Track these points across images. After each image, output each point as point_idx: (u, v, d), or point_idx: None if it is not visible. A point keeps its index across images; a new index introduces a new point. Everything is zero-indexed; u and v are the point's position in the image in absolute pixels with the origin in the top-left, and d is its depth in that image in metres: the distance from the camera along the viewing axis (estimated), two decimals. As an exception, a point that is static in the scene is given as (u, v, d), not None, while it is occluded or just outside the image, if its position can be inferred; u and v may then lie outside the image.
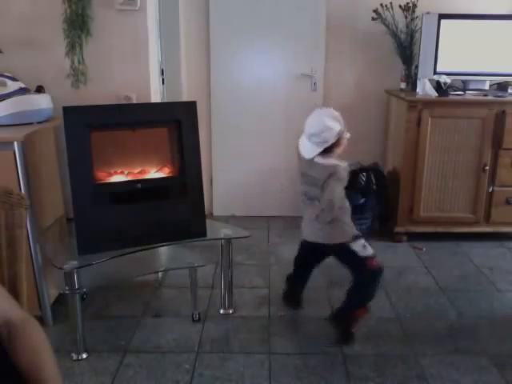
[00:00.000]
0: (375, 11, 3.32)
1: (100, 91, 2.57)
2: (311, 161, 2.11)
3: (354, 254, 2.09)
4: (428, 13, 3.18)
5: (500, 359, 2.07)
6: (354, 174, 3.19)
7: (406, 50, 3.37)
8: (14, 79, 2.27)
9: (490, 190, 3.18)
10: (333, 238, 2.15)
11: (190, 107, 2.25)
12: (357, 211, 3.15)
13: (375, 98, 3.59)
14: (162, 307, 2.49)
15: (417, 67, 3.28)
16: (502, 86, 3.34)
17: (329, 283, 2.70)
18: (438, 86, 3.11)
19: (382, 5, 3.32)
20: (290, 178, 3.52)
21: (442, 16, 3.18)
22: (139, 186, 2.21)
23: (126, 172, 2.23)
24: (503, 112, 3.04)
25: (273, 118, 3.60)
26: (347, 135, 2.11)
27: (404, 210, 3.23)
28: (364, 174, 3.26)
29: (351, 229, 2.15)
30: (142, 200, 2.20)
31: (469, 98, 3.14)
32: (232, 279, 2.41)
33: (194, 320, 2.34)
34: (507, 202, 3.18)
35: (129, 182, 2.21)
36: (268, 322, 2.35)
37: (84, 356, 2.07)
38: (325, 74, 3.55)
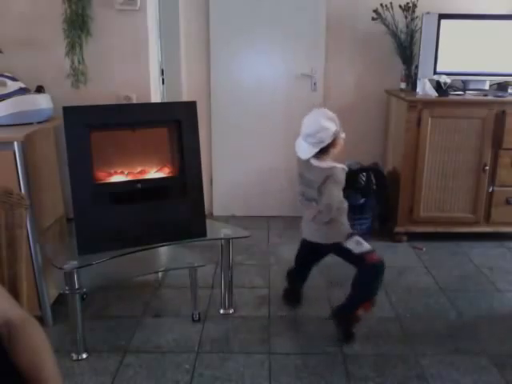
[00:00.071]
0: (375, 11, 3.32)
1: (100, 91, 2.57)
2: (308, 162, 2.14)
3: (349, 251, 2.13)
4: (428, 13, 3.18)
5: (500, 359, 2.07)
6: (353, 174, 3.20)
7: (406, 49, 3.37)
8: (14, 79, 2.27)
9: (490, 190, 3.18)
10: (329, 238, 2.18)
11: (190, 107, 2.25)
12: (357, 211, 3.17)
13: (375, 98, 3.60)
14: (162, 307, 2.49)
15: (417, 67, 3.28)
16: (502, 86, 3.34)
17: (329, 283, 2.70)
18: (438, 86, 3.11)
19: (382, 5, 3.32)
20: (289, 178, 3.52)
21: (442, 16, 3.18)
22: (139, 185, 2.21)
23: (126, 172, 2.23)
24: (503, 112, 3.04)
25: (273, 118, 3.61)
26: (343, 135, 2.12)
27: (404, 210, 3.23)
28: (364, 174, 3.27)
29: (346, 228, 2.17)
30: (142, 200, 2.20)
31: (469, 98, 3.14)
32: (232, 279, 2.41)
33: (193, 320, 2.34)
34: (507, 202, 3.18)
35: (129, 182, 2.21)
36: (268, 322, 2.35)
37: (84, 356, 2.07)
38: (325, 74, 3.55)
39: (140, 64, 2.60)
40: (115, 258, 2.05)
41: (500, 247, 3.26)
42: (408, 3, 3.31)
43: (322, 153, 2.10)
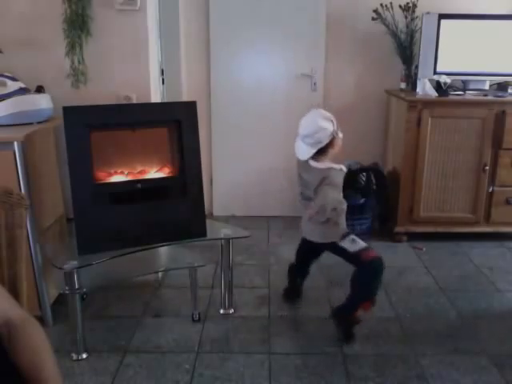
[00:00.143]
0: (375, 11, 3.32)
1: (100, 91, 2.57)
2: (306, 163, 2.16)
3: (344, 250, 2.14)
4: (428, 13, 3.18)
5: (500, 359, 2.07)
6: (353, 174, 3.20)
7: (406, 49, 3.37)
8: (14, 79, 2.27)
9: (490, 190, 3.18)
10: (325, 237, 2.20)
11: (190, 107, 2.25)
12: (357, 211, 3.17)
13: (375, 98, 3.60)
14: (162, 307, 2.49)
15: (417, 67, 3.28)
16: (502, 86, 3.34)
17: (329, 283, 2.70)
18: (438, 86, 3.11)
19: (382, 5, 3.32)
20: (289, 178, 3.51)
21: (442, 16, 3.18)
22: (139, 185, 2.21)
23: (126, 172, 2.23)
24: (503, 112, 3.04)
25: (273, 118, 3.60)
26: (340, 135, 2.13)
27: (404, 210, 3.23)
28: (364, 174, 3.27)
29: (342, 228, 2.18)
30: (142, 200, 2.20)
31: (469, 98, 3.14)
32: (232, 279, 2.41)
33: (194, 320, 2.34)
34: (507, 201, 3.18)
35: (129, 182, 2.21)
36: (268, 322, 2.35)
37: (84, 356, 2.07)
38: (325, 74, 3.55)
39: (140, 64, 2.60)
40: (115, 257, 2.05)
41: (500, 247, 3.26)
42: (408, 3, 3.31)
43: (321, 153, 2.11)
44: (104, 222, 2.10)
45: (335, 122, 2.12)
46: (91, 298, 2.49)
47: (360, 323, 2.20)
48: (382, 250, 3.06)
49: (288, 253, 2.63)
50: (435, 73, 3.22)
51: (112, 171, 2.21)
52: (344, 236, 2.15)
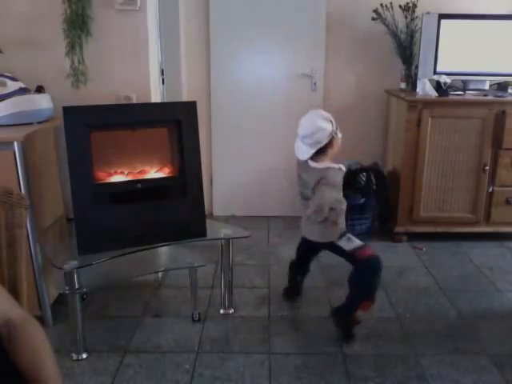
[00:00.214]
0: (375, 11, 3.32)
1: (100, 91, 2.57)
2: (306, 163, 2.17)
3: (341, 249, 2.15)
4: (428, 13, 3.18)
5: (500, 359, 2.07)
6: (353, 174, 3.20)
7: (406, 49, 3.37)
8: (14, 79, 2.27)
9: (490, 190, 3.18)
10: (323, 237, 2.22)
11: (190, 107, 2.25)
12: (357, 211, 3.17)
13: (375, 98, 3.60)
14: (162, 307, 2.49)
15: (417, 67, 3.28)
16: (502, 86, 3.34)
17: (329, 283, 2.70)
18: (438, 86, 3.11)
19: (382, 5, 3.32)
20: (289, 178, 3.51)
21: (442, 16, 3.18)
22: (139, 185, 2.21)
23: (126, 172, 2.23)
24: (503, 112, 3.04)
25: (273, 117, 3.60)
26: (340, 135, 2.13)
27: (404, 210, 3.23)
28: (364, 174, 3.27)
29: (340, 228, 2.18)
30: (142, 200, 2.20)
31: (469, 98, 3.14)
32: (232, 279, 2.41)
33: (194, 320, 2.34)
34: (507, 202, 3.18)
35: (129, 182, 2.21)
36: (268, 322, 2.35)
37: (84, 356, 2.07)
38: (325, 74, 3.55)
39: (140, 64, 2.60)
40: (115, 257, 2.05)
41: (500, 247, 3.26)
42: (408, 3, 3.31)
43: (320, 153, 2.12)
44: (104, 222, 2.10)
45: (334, 122, 2.12)
46: (91, 298, 2.49)
47: (360, 323, 2.20)
48: (381, 249, 3.06)
49: (288, 253, 2.63)
50: (435, 73, 3.22)
51: (112, 171, 2.21)
52: (341, 235, 2.16)
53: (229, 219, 3.57)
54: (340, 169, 2.15)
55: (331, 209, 2.11)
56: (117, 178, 2.20)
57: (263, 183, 3.71)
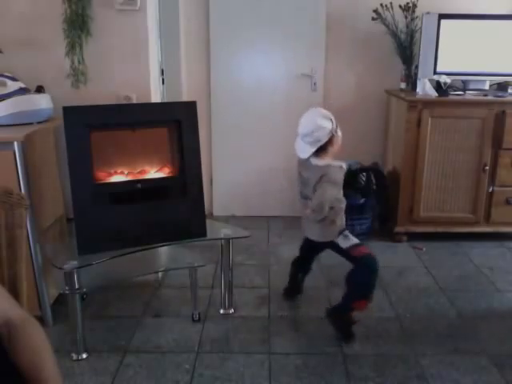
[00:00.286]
0: (375, 11, 3.32)
1: (100, 91, 2.57)
2: (306, 161, 2.17)
3: (338, 246, 2.16)
4: (428, 13, 3.18)
5: (500, 359, 2.07)
6: (353, 174, 3.20)
7: (406, 49, 3.37)
8: (14, 79, 2.27)
9: (490, 190, 3.17)
10: (323, 237, 2.22)
11: (190, 107, 2.25)
12: (357, 211, 3.17)
13: (375, 98, 3.60)
14: (162, 307, 2.49)
15: (417, 67, 3.28)
16: (502, 86, 3.34)
17: (329, 283, 2.70)
18: (438, 86, 3.11)
19: (382, 5, 3.32)
20: (289, 178, 3.51)
21: (442, 16, 3.18)
22: (139, 186, 2.21)
23: (126, 172, 2.23)
24: (503, 112, 3.04)
25: (273, 118, 3.60)
26: (339, 133, 2.13)
27: (404, 210, 3.23)
28: (364, 174, 3.27)
29: (339, 227, 2.18)
30: (142, 200, 2.20)
31: (469, 98, 3.14)
32: (232, 279, 2.41)
33: (193, 320, 2.34)
34: (507, 202, 3.18)
35: (129, 182, 2.21)
36: (268, 322, 2.35)
37: (84, 356, 2.07)
38: (325, 74, 3.55)
39: (140, 64, 2.60)
40: (115, 257, 2.05)
41: (500, 247, 3.26)
42: (408, 3, 3.31)
43: (321, 151, 2.12)
44: (104, 222, 2.10)
45: (334, 121, 2.13)
46: (91, 298, 2.49)
47: (356, 323, 2.20)
48: (381, 250, 3.09)
49: (288, 253, 2.63)
50: (435, 73, 3.22)
51: (112, 171, 2.21)
52: (339, 233, 2.17)
53: (229, 219, 3.57)
54: (341, 167, 2.15)
55: (330, 207, 2.11)
56: (117, 178, 2.20)
57: (263, 183, 3.71)
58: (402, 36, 3.36)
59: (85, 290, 2.11)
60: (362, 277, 2.14)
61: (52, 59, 2.56)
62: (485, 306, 2.53)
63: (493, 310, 2.49)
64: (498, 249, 3.23)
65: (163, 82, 3.05)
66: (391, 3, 3.32)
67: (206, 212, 2.47)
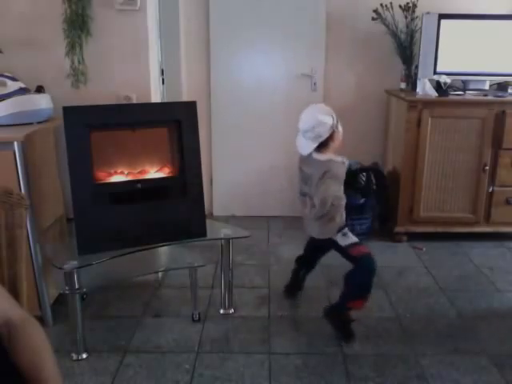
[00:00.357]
0: (375, 11, 3.32)
1: (100, 91, 2.57)
2: (308, 157, 2.17)
3: (337, 243, 2.16)
4: (428, 13, 3.18)
5: (500, 359, 2.07)
6: (353, 174, 3.20)
7: (406, 49, 3.37)
8: (14, 79, 2.27)
9: (490, 190, 3.17)
10: (322, 234, 2.22)
11: (190, 107, 2.25)
12: (357, 211, 3.17)
13: (375, 98, 3.60)
14: (162, 307, 2.49)
15: (417, 67, 3.28)
16: (502, 86, 3.34)
17: (329, 283, 2.70)
18: (438, 86, 3.11)
19: (382, 5, 3.32)
20: (289, 178, 3.52)
21: (442, 16, 3.18)
22: (139, 186, 2.21)
23: (126, 172, 2.23)
24: (503, 112, 3.04)
25: (273, 118, 3.60)
26: (340, 129, 2.14)
27: (404, 210, 3.23)
28: (364, 174, 3.27)
29: (338, 225, 2.18)
30: (142, 200, 2.20)
31: (469, 98, 3.14)
32: (232, 279, 2.41)
33: (194, 320, 2.34)
34: (507, 202, 3.18)
35: (129, 182, 2.21)
36: (268, 322, 2.35)
37: (84, 356, 2.07)
38: (325, 74, 3.55)
39: (140, 64, 2.60)
40: (115, 257, 2.05)
41: (500, 247, 3.26)
42: (408, 3, 3.31)
43: (322, 147, 2.13)
44: (104, 222, 2.10)
45: (335, 116, 2.13)
46: (91, 298, 2.49)
47: (353, 321, 2.20)
48: (381, 250, 3.08)
49: (288, 253, 2.63)
50: (435, 73, 3.22)
51: (112, 171, 2.21)
52: (339, 230, 2.17)
53: (229, 219, 3.57)
54: (343, 162, 2.15)
55: (331, 204, 2.11)
56: (117, 178, 2.20)
57: (263, 183, 3.71)
58: (402, 36, 3.36)
59: (85, 290, 2.11)
60: (360, 277, 2.14)
61: (52, 59, 2.56)
62: (485, 306, 2.53)
63: (493, 310, 2.49)
64: (497, 249, 3.23)
65: (163, 82, 3.05)
66: (391, 3, 3.32)
67: (206, 212, 2.47)
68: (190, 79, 3.53)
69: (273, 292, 2.63)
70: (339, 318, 2.20)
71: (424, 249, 3.20)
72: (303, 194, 2.24)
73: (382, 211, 3.33)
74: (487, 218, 3.22)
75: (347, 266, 2.17)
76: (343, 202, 2.19)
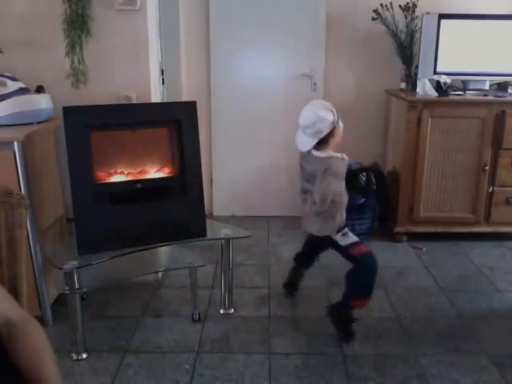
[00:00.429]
0: (375, 11, 3.32)
1: (100, 91, 2.57)
2: (308, 154, 2.16)
3: (337, 243, 2.16)
4: (428, 13, 3.18)
5: (500, 359, 2.07)
6: (353, 174, 3.20)
7: (406, 49, 3.37)
8: (14, 79, 2.27)
9: (490, 190, 3.17)
10: (321, 231, 2.22)
11: (190, 107, 2.25)
12: (357, 211, 3.17)
13: (375, 98, 3.60)
14: (162, 307, 2.49)
15: (417, 67, 3.28)
16: (502, 86, 3.34)
17: (329, 283, 2.70)
18: (438, 86, 3.11)
19: (382, 5, 3.32)
20: (289, 178, 3.52)
21: (442, 16, 3.18)
22: (139, 186, 2.21)
23: (126, 172, 2.23)
24: (503, 112, 3.04)
25: (272, 117, 3.60)
26: (341, 125, 2.13)
27: (404, 210, 3.23)
28: (364, 174, 3.26)
29: (338, 223, 2.18)
30: (142, 200, 2.20)
31: (469, 98, 3.14)
32: (232, 279, 2.41)
33: (194, 320, 2.34)
34: (507, 202, 3.18)
35: (129, 182, 2.21)
36: (268, 322, 2.35)
37: (84, 356, 2.07)
38: (325, 74, 3.55)
39: (140, 64, 2.60)
40: (115, 257, 2.05)
41: (500, 247, 3.26)
42: (408, 3, 3.31)
43: (322, 144, 2.12)
44: (104, 222, 2.10)
45: (335, 112, 2.12)
46: (91, 298, 2.49)
47: (356, 321, 2.20)
48: (381, 250, 3.08)
49: (288, 253, 2.63)
50: (435, 73, 3.22)
51: (112, 171, 2.21)
52: (339, 230, 2.17)
53: (229, 219, 3.57)
54: (343, 158, 2.14)
55: (332, 201, 2.11)
56: (117, 178, 2.20)
57: (263, 183, 3.71)
58: (402, 36, 3.36)
59: (85, 290, 2.11)
60: (362, 276, 2.14)
61: (52, 59, 2.56)
62: (485, 305, 2.53)
63: (493, 310, 2.49)
64: (498, 249, 3.23)
65: (163, 82, 3.05)
66: (391, 3, 3.32)
67: (206, 212, 2.47)
68: (190, 79, 3.53)
69: (273, 292, 2.63)
70: (342, 318, 2.20)
71: (424, 249, 3.20)
72: (304, 192, 2.24)
73: (382, 211, 3.32)
74: (487, 218, 3.22)
75: (347, 265, 2.17)
76: (345, 198, 2.19)
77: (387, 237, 3.31)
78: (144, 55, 2.60)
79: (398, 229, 3.27)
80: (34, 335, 1.06)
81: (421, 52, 3.23)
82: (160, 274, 2.74)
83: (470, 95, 3.19)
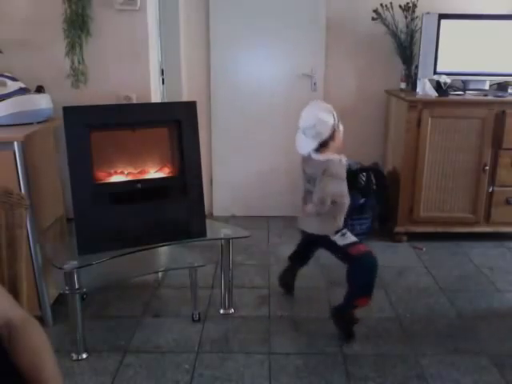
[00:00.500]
0: (375, 11, 3.32)
1: (100, 91, 2.57)
2: (308, 157, 2.17)
3: (335, 244, 2.16)
4: (428, 13, 3.18)
5: (500, 359, 2.07)
6: (353, 174, 3.20)
7: (406, 49, 3.37)
8: (14, 79, 2.27)
9: (490, 190, 3.17)
10: (319, 230, 2.22)
11: (190, 107, 2.25)
12: (357, 211, 3.17)
13: (375, 97, 3.59)
14: (162, 307, 2.49)
15: (417, 67, 3.28)
16: (502, 86, 3.34)
17: (329, 283, 2.70)
18: (438, 86, 3.11)
19: (382, 5, 3.32)
20: (289, 178, 3.52)
21: (442, 16, 3.18)
22: (139, 185, 2.21)
23: (126, 172, 2.23)
24: (503, 112, 3.04)
25: (272, 118, 3.60)
26: (341, 128, 2.13)
27: (404, 210, 3.23)
28: (364, 174, 3.27)
29: (338, 225, 2.18)
30: (142, 200, 2.20)
31: (469, 98, 3.14)
32: (232, 279, 2.41)
33: (193, 320, 2.34)
34: (507, 201, 3.18)
35: (129, 182, 2.21)
36: (268, 322, 2.35)
37: (84, 356, 2.07)
38: (325, 74, 3.55)
39: (140, 64, 2.60)
40: (115, 257, 2.05)
41: (500, 247, 3.26)
42: (408, 3, 3.31)
43: (321, 147, 2.12)
44: (104, 222, 2.10)
45: (335, 115, 2.12)
46: (91, 298, 2.49)
47: (358, 322, 2.20)
48: (381, 250, 3.08)
49: (288, 253, 2.63)
50: (435, 73, 3.22)
51: (112, 171, 2.21)
52: (337, 231, 2.17)
53: (229, 219, 3.57)
54: (340, 160, 2.14)
55: (332, 202, 2.11)
56: (117, 178, 2.20)
57: (263, 183, 3.70)
58: (402, 36, 3.36)
59: (85, 290, 2.11)
60: (363, 275, 2.14)
61: (52, 59, 2.56)
62: (485, 305, 2.53)
63: (493, 310, 2.49)
64: (498, 249, 3.23)
65: (163, 82, 3.05)
66: (391, 3, 3.31)
67: (206, 212, 2.47)
68: (190, 79, 3.53)
69: (273, 292, 2.63)
70: (344, 319, 2.20)
71: (424, 249, 3.20)
72: (306, 192, 2.25)
73: (382, 211, 3.32)
74: (487, 218, 3.22)
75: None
76: (346, 200, 2.19)
77: (387, 237, 3.31)
78: (144, 55, 2.60)
79: (398, 229, 3.27)
80: (34, 336, 1.06)
81: (421, 52, 3.23)
82: (160, 274, 2.74)
83: (469, 95, 3.19)
